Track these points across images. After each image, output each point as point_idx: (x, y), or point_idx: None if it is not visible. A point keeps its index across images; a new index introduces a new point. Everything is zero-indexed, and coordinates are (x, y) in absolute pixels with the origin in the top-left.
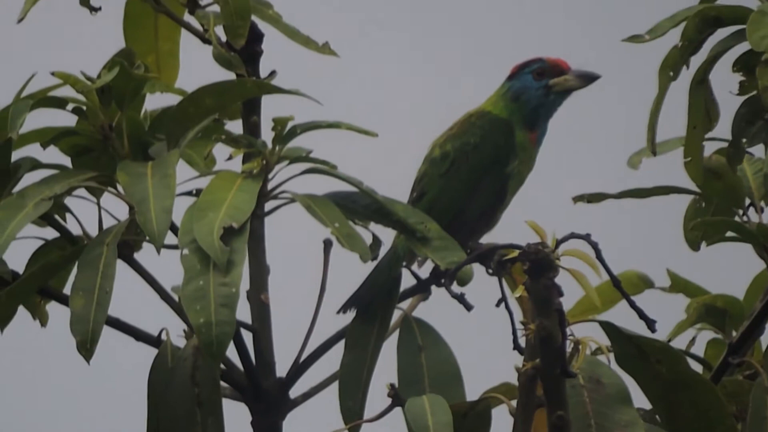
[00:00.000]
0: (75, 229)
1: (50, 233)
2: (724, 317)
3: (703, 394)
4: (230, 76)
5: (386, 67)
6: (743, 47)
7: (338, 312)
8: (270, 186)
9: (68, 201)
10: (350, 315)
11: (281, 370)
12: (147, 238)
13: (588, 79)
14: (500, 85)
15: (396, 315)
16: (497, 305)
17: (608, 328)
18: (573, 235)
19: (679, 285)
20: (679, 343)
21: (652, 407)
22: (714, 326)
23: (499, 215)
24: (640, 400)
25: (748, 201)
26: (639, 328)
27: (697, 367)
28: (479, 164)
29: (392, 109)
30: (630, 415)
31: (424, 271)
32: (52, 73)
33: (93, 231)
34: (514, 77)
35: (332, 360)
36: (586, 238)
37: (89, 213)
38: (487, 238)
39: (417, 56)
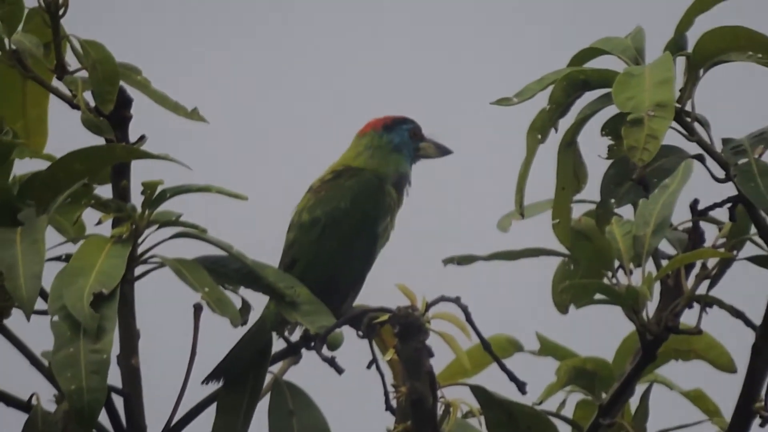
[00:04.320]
0: None
1: None
2: (594, 379)
3: None
4: (100, 140)
5: (257, 129)
6: (611, 111)
7: (204, 382)
8: (140, 250)
9: None
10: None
11: None
12: (16, 303)
13: (444, 152)
14: (364, 136)
15: (267, 378)
16: (368, 367)
17: (479, 392)
18: (443, 298)
19: (548, 348)
20: (550, 405)
21: None
22: (584, 388)
23: (366, 276)
24: None
25: (617, 263)
26: (510, 391)
27: (568, 430)
28: (351, 226)
29: (263, 173)
30: None
31: (295, 335)
32: None
33: None
34: (392, 130)
35: (204, 423)
36: (456, 301)
37: None
38: (357, 301)
39: (289, 116)
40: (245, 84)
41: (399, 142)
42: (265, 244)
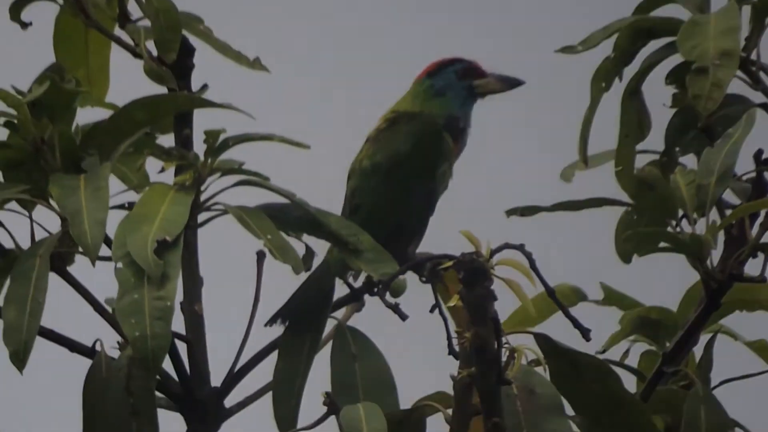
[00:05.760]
0: (7, 243)
1: None
2: (658, 329)
3: (635, 415)
4: (162, 90)
5: (316, 79)
6: (676, 59)
7: (266, 324)
8: (203, 198)
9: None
10: (282, 326)
11: (216, 380)
12: (80, 250)
13: (511, 84)
14: (414, 83)
15: (331, 325)
16: (431, 311)
17: (543, 341)
18: (507, 246)
19: (612, 298)
20: (613, 354)
21: (582, 426)
22: (648, 338)
23: (428, 221)
24: None
25: (681, 212)
26: (573, 341)
27: (631, 378)
28: (412, 169)
29: (325, 122)
30: (563, 426)
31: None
32: None
33: (25, 244)
34: (435, 75)
35: (267, 370)
36: (520, 248)
37: (21, 226)
38: (420, 249)
39: (346, 67)
40: (305, 33)
41: (442, 85)
42: (327, 194)
